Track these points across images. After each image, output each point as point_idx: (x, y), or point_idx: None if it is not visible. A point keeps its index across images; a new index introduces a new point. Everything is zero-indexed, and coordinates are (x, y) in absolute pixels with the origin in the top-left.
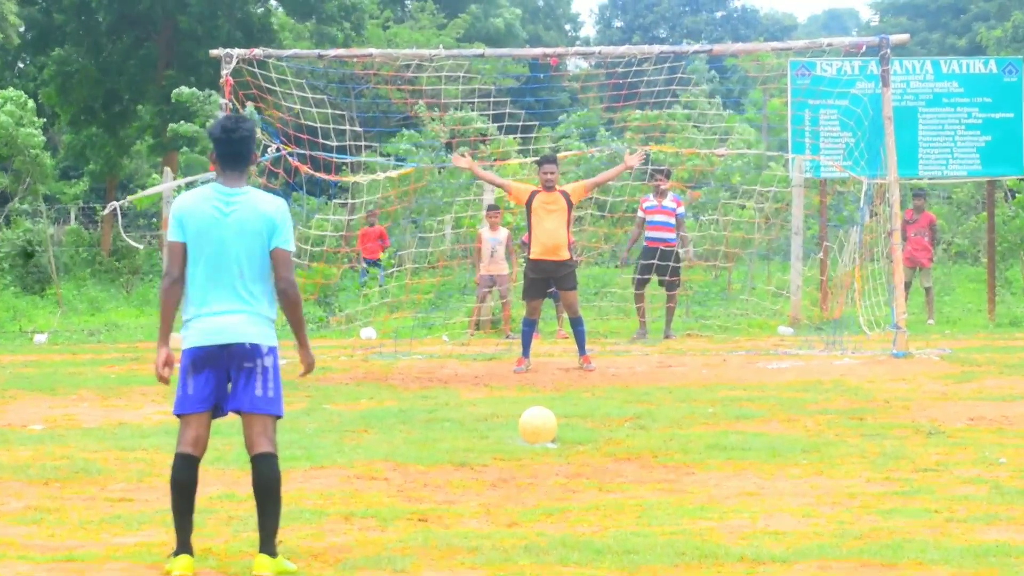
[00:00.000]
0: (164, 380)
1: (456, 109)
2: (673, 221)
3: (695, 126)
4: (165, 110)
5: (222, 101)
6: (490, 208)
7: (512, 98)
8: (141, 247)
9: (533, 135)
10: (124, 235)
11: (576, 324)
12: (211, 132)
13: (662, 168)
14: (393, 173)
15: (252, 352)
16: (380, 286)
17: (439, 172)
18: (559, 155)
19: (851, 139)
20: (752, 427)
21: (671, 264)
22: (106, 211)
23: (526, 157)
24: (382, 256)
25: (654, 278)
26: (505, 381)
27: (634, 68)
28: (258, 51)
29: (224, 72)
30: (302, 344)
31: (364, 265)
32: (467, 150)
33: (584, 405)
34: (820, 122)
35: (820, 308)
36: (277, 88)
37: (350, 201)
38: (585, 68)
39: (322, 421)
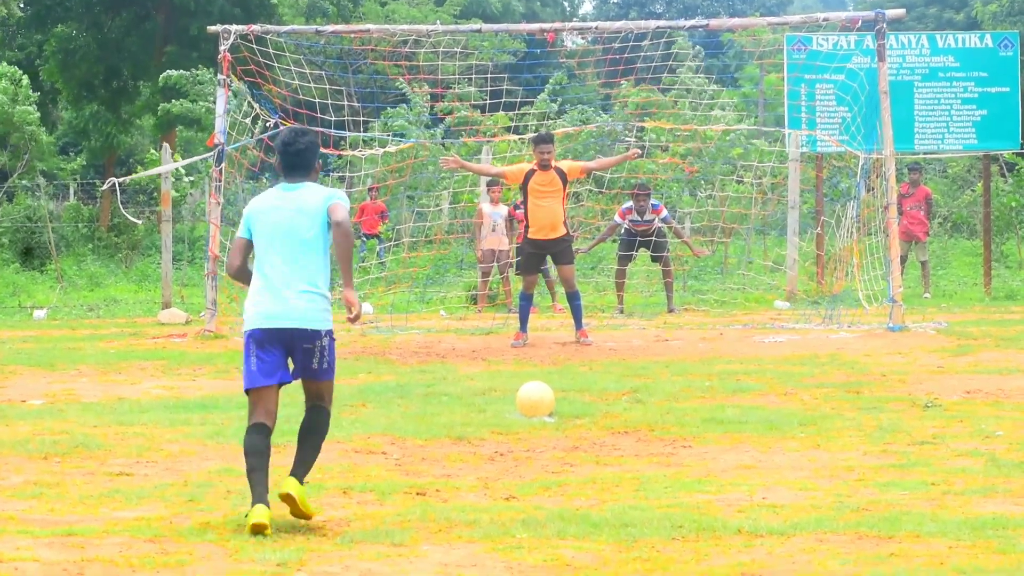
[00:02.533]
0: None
1: (444, 86)
2: (652, 228)
3: (692, 103)
4: (165, 87)
5: (220, 77)
6: (490, 183)
7: (509, 74)
8: (140, 222)
9: (530, 111)
10: (123, 210)
11: (573, 298)
12: (275, 144)
13: (644, 188)
14: (392, 148)
15: (312, 335)
16: (379, 259)
17: (444, 146)
18: (555, 132)
19: (847, 114)
20: (749, 400)
21: (655, 239)
22: (105, 186)
23: (522, 133)
24: (381, 229)
25: (643, 257)
26: (502, 355)
27: (631, 43)
28: (256, 27)
29: (222, 48)
30: (347, 282)
31: (363, 238)
32: (457, 144)
33: (581, 379)
34: (816, 97)
35: (816, 282)
36: (275, 64)
37: (348, 175)
38: (582, 44)
39: None
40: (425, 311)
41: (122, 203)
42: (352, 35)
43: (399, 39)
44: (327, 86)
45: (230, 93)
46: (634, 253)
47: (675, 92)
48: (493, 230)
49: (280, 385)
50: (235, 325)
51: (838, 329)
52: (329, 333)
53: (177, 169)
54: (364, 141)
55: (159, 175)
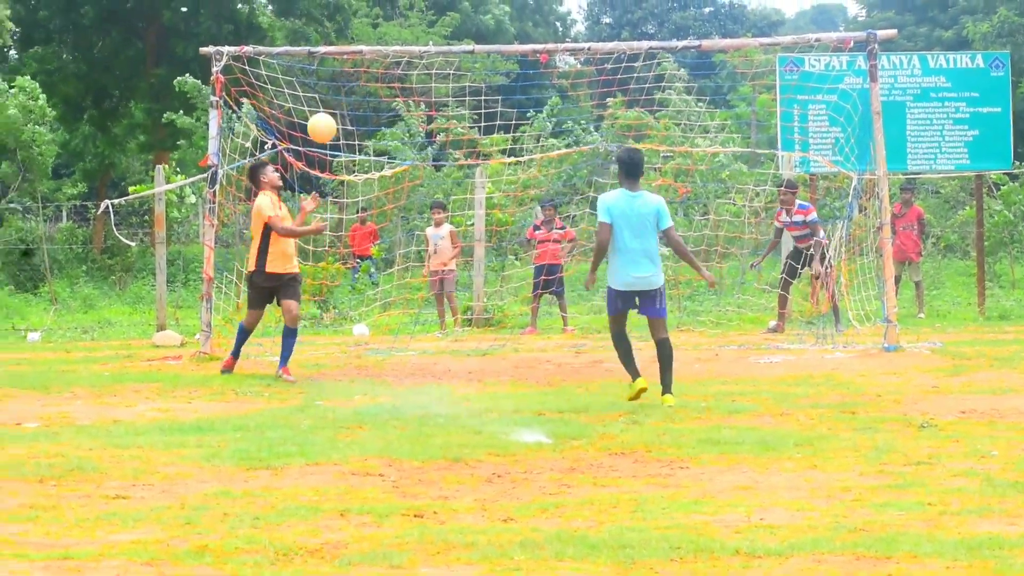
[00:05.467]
0: (589, 288)
1: (441, 107)
2: (804, 232)
3: (683, 124)
4: (155, 108)
5: (212, 99)
6: (434, 205)
7: (502, 96)
8: (133, 244)
9: (527, 132)
10: (116, 233)
11: (292, 335)
12: (620, 157)
13: (790, 185)
14: (388, 172)
15: (652, 291)
16: (372, 282)
17: (437, 170)
18: (549, 155)
19: (840, 134)
20: (745, 421)
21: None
22: (100, 210)
23: (518, 156)
24: (373, 250)
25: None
26: (498, 376)
27: (623, 64)
28: (248, 48)
29: (215, 70)
30: (697, 268)
31: (356, 262)
32: (449, 166)
33: (578, 400)
34: (809, 118)
35: (810, 302)
36: (268, 86)
37: (345, 200)
38: (574, 65)
39: (316, 418)
40: (420, 332)
41: (115, 225)
42: (344, 57)
43: (391, 60)
44: (320, 108)
45: (223, 114)
46: (795, 272)
47: (664, 113)
48: (435, 252)
49: (627, 312)
50: (230, 347)
51: (833, 349)
52: (663, 286)
53: (181, 189)
54: (356, 164)
55: (153, 196)
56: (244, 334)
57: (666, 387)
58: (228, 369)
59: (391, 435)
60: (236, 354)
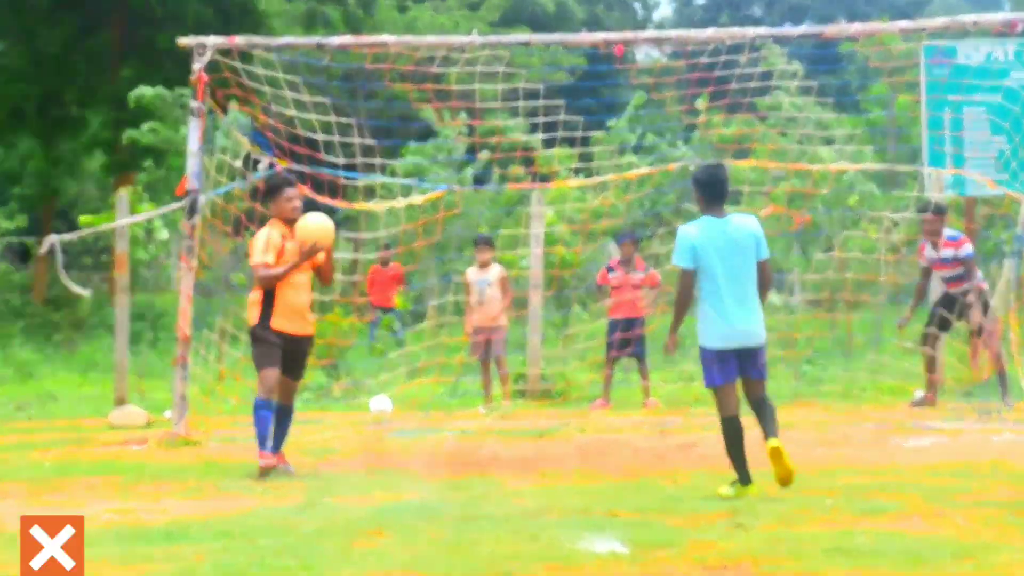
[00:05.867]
0: (670, 353)
1: (487, 114)
2: (956, 272)
3: (797, 135)
4: (120, 118)
5: (194, 104)
6: (479, 241)
7: (567, 99)
8: (87, 293)
9: (599, 146)
10: (65, 278)
11: (289, 414)
12: (697, 177)
13: (938, 210)
14: (418, 199)
15: (755, 348)
16: (396, 340)
17: (488, 192)
18: (627, 175)
19: (1005, 145)
20: (885, 525)
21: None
22: (43, 249)
23: (585, 177)
24: (397, 300)
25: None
26: (560, 465)
27: (721, 58)
28: (240, 39)
29: (196, 66)
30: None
31: (376, 315)
32: (497, 190)
33: (664, 496)
34: (964, 124)
35: (970, 367)
36: (265, 87)
37: (363, 235)
38: (659, 58)
39: (323, 520)
40: (459, 408)
41: (63, 268)
42: (364, 49)
43: (424, 55)
44: (332, 117)
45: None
46: (947, 323)
47: (775, 120)
48: (480, 302)
49: (735, 385)
50: (209, 427)
51: (1001, 429)
52: (765, 342)
53: (150, 221)
54: (377, 188)
55: (113, 231)
56: (265, 410)
57: (770, 433)
58: (268, 469)
59: (420, 543)
60: (276, 446)
